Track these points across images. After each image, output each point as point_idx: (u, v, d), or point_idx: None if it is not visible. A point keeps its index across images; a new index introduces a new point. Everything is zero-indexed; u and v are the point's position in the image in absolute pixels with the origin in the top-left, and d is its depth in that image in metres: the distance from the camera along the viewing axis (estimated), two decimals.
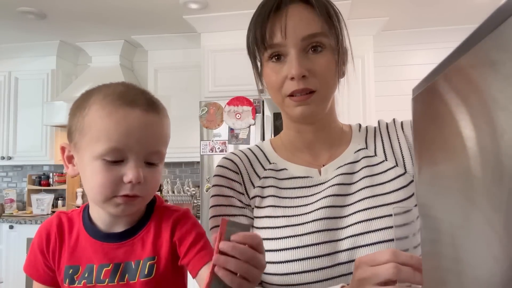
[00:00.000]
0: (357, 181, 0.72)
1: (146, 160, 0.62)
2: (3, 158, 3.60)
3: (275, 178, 0.75)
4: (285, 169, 0.76)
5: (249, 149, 0.81)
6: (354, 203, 0.69)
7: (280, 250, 0.67)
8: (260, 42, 0.68)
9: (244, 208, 0.74)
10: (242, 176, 0.76)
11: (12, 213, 3.47)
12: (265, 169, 0.77)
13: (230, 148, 2.73)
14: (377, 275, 0.50)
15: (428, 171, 0.28)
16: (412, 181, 0.71)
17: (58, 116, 3.32)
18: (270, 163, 0.78)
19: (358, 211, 0.68)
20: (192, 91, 3.24)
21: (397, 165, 0.73)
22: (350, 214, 0.68)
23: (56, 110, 3.34)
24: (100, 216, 0.67)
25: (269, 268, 0.67)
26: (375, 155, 0.75)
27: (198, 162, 3.00)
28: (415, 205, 0.56)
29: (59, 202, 3.68)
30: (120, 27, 3.26)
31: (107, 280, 0.64)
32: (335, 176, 0.73)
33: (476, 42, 0.19)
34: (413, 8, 2.91)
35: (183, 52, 3.43)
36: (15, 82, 3.65)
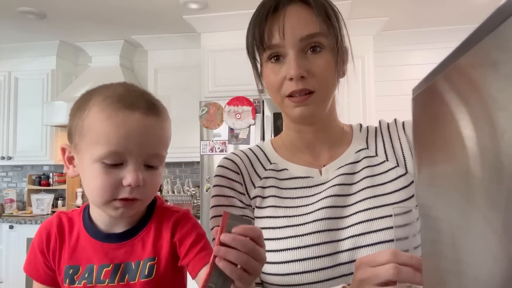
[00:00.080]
0: (358, 181, 0.72)
1: (145, 163, 0.62)
2: (3, 158, 3.60)
3: (276, 178, 0.75)
4: (285, 169, 0.76)
5: (250, 149, 0.81)
6: (355, 203, 0.69)
7: (281, 250, 0.67)
8: (259, 43, 0.68)
9: (244, 208, 0.74)
10: (243, 176, 0.76)
11: (12, 213, 3.47)
12: (265, 169, 0.77)
13: (230, 148, 2.73)
14: (377, 276, 0.50)
15: (428, 171, 0.28)
16: (413, 181, 0.71)
17: (58, 116, 3.33)
18: (271, 163, 0.78)
19: (359, 211, 0.68)
20: (192, 91, 3.24)
21: (398, 165, 0.73)
22: (351, 214, 0.68)
23: (56, 110, 3.34)
24: (100, 217, 0.67)
25: (270, 268, 0.67)
26: (376, 155, 0.75)
27: (198, 162, 3.00)
28: (416, 206, 0.56)
29: (59, 202, 3.68)
30: (120, 27, 3.26)
31: (107, 280, 0.64)
32: (336, 176, 0.73)
33: (476, 42, 0.19)
34: (413, 8, 2.91)
35: (183, 52, 3.43)
36: (15, 82, 3.65)
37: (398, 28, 3.24)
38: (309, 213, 0.69)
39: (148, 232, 0.67)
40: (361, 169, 0.73)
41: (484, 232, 0.19)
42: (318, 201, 0.70)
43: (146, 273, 0.64)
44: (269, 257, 0.67)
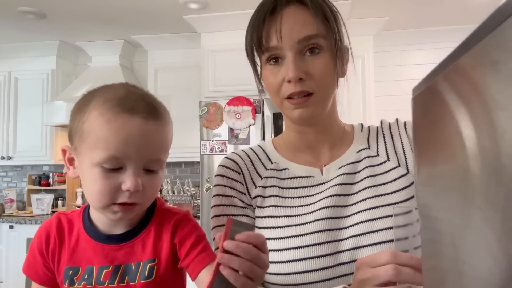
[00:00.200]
0: (359, 181, 0.72)
1: (145, 167, 0.62)
2: (3, 158, 3.61)
3: (277, 178, 0.75)
4: (287, 168, 0.76)
5: (251, 149, 0.81)
6: (356, 203, 0.69)
7: (282, 250, 0.67)
8: (257, 46, 0.68)
9: (245, 208, 0.74)
10: (243, 176, 0.76)
11: (12, 213, 3.47)
12: (267, 169, 0.77)
13: (230, 148, 2.73)
14: (377, 277, 0.50)
15: (428, 171, 0.28)
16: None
17: (58, 116, 3.33)
18: (272, 163, 0.78)
19: (361, 211, 0.68)
20: (192, 91, 3.24)
21: (399, 165, 0.73)
22: (352, 214, 0.68)
23: (56, 110, 3.34)
24: (100, 218, 0.67)
25: (271, 268, 0.67)
26: (377, 155, 0.75)
27: (198, 162, 3.00)
28: (416, 207, 0.56)
29: (59, 202, 3.68)
30: (120, 27, 3.26)
31: (107, 281, 0.64)
32: (337, 176, 0.73)
33: (476, 42, 0.19)
34: (413, 8, 2.91)
35: (183, 52, 3.44)
36: (15, 82, 3.65)
37: (398, 28, 3.25)
38: (310, 212, 0.69)
39: (148, 234, 0.67)
40: (362, 169, 0.73)
41: (484, 232, 0.19)
42: (319, 200, 0.70)
43: (146, 275, 0.64)
44: (270, 256, 0.67)
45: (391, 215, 0.65)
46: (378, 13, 2.99)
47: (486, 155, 0.18)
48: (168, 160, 0.67)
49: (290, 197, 0.73)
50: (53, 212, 3.51)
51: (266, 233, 0.70)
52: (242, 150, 0.81)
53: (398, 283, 0.50)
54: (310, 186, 0.73)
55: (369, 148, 0.76)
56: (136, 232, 0.67)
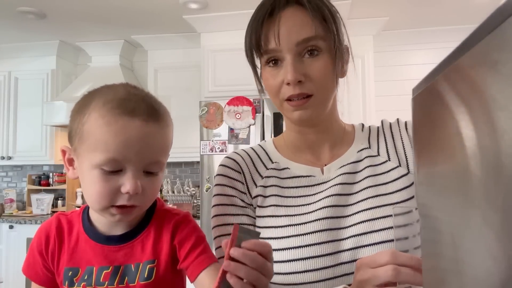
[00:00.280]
0: (360, 181, 0.72)
1: (145, 169, 0.61)
2: (3, 158, 3.61)
3: (277, 177, 0.75)
4: (287, 168, 0.76)
5: (252, 148, 0.82)
6: (357, 202, 0.69)
7: (283, 249, 0.67)
8: (256, 48, 0.68)
9: (246, 207, 0.74)
10: (244, 176, 0.76)
11: (12, 213, 3.47)
12: (267, 169, 0.77)
13: (230, 148, 2.73)
14: (376, 277, 0.50)
15: (428, 170, 0.28)
16: None
17: (58, 116, 3.33)
18: (272, 162, 0.78)
19: (361, 210, 0.68)
20: (192, 91, 3.24)
21: (400, 165, 0.73)
22: (353, 214, 0.68)
23: (56, 110, 3.34)
24: (99, 219, 0.67)
25: None
26: (378, 155, 0.75)
27: (198, 162, 3.00)
28: (416, 208, 0.56)
29: (59, 202, 3.68)
30: (120, 27, 3.26)
31: (106, 282, 0.64)
32: (338, 176, 0.73)
33: (476, 42, 0.19)
34: (413, 8, 2.91)
35: (183, 52, 3.44)
36: (15, 82, 3.65)
37: (398, 28, 3.25)
38: (310, 212, 0.69)
39: (148, 235, 0.67)
40: (363, 169, 0.73)
41: (484, 232, 0.19)
42: (319, 200, 0.70)
43: (145, 276, 0.64)
44: None
45: (391, 215, 0.65)
46: (378, 13, 2.99)
47: (486, 155, 0.18)
48: (168, 160, 0.67)
49: (290, 197, 0.73)
50: (53, 212, 3.51)
51: (267, 233, 0.70)
52: (243, 150, 0.81)
53: (398, 284, 0.50)
54: (311, 186, 0.73)
55: (369, 147, 0.76)
56: (135, 233, 0.67)
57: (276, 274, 0.66)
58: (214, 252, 0.74)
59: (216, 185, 0.77)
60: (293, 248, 0.66)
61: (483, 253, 0.19)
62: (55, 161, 3.55)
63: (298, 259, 0.65)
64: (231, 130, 2.73)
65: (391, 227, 0.64)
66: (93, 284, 0.64)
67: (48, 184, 3.67)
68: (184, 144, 3.04)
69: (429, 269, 0.28)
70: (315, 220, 0.68)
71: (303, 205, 0.71)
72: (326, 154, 0.76)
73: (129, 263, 0.65)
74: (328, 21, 0.66)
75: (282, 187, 0.74)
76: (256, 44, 0.68)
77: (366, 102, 3.05)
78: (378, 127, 0.79)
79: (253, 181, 0.76)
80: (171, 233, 0.66)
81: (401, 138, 0.75)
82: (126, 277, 0.64)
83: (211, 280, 0.61)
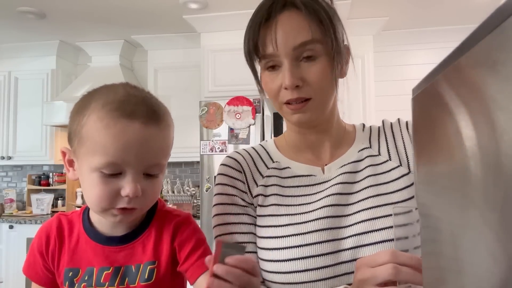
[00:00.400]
0: (360, 180, 0.72)
1: (145, 172, 0.61)
2: (3, 158, 3.60)
3: (278, 176, 0.75)
4: (288, 167, 0.76)
5: (253, 148, 0.82)
6: (358, 202, 0.69)
7: (283, 248, 0.67)
8: (254, 53, 0.69)
9: (246, 206, 0.74)
10: (245, 175, 0.77)
11: (12, 213, 3.47)
12: (268, 168, 0.77)
13: (230, 148, 2.73)
14: (376, 276, 0.50)
15: (428, 170, 0.28)
16: None
17: (58, 116, 3.32)
18: (273, 162, 0.78)
19: (362, 210, 0.68)
20: (192, 91, 3.24)
21: (401, 164, 0.73)
22: (353, 213, 0.68)
23: (56, 110, 3.34)
24: (100, 220, 0.67)
25: (271, 266, 0.67)
26: (379, 154, 0.75)
27: (198, 162, 3.00)
28: (416, 208, 0.56)
29: (59, 202, 3.68)
30: (120, 27, 3.26)
31: (107, 283, 0.63)
32: (339, 175, 0.73)
33: (476, 42, 0.19)
34: (413, 8, 2.91)
35: (183, 52, 3.43)
36: (15, 82, 3.65)
37: (398, 28, 3.25)
38: (311, 211, 0.70)
39: (149, 236, 0.66)
40: (364, 168, 0.73)
41: (483, 232, 0.19)
42: (320, 199, 0.71)
43: (146, 277, 0.64)
44: (271, 255, 0.68)
45: (392, 214, 0.65)
46: (378, 13, 2.99)
47: (486, 155, 0.18)
48: (168, 160, 0.67)
49: (291, 196, 0.73)
50: (53, 212, 3.51)
51: (267, 232, 0.70)
52: (244, 149, 0.81)
53: (398, 283, 0.50)
54: (311, 185, 0.73)
55: (370, 147, 0.76)
56: (136, 234, 0.66)
57: (276, 273, 0.67)
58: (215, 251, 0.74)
59: (217, 184, 0.77)
60: (294, 247, 0.66)
61: (483, 253, 0.19)
62: (55, 161, 3.55)
63: (299, 258, 0.65)
64: (231, 130, 2.73)
65: (392, 227, 0.64)
66: (93, 285, 0.63)
67: (48, 184, 3.67)
68: (184, 144, 3.04)
69: (429, 268, 0.28)
70: (316, 219, 0.68)
71: (303, 204, 0.71)
72: (326, 153, 0.76)
73: (130, 264, 0.65)
74: (325, 24, 0.66)
75: (283, 187, 0.74)
76: (254, 49, 0.68)
77: (366, 102, 3.05)
78: (379, 127, 0.79)
79: (254, 181, 0.76)
80: (171, 234, 0.66)
81: (402, 138, 0.75)
82: (127, 278, 0.64)
83: None
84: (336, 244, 0.66)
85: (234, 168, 0.77)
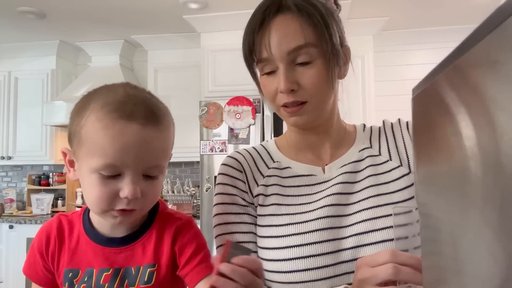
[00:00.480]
0: (361, 180, 0.72)
1: (144, 173, 0.60)
2: (3, 158, 3.60)
3: (278, 176, 0.76)
4: (289, 167, 0.76)
5: (254, 148, 0.82)
6: (358, 201, 0.70)
7: (283, 247, 0.67)
8: (250, 58, 0.69)
9: (247, 206, 0.75)
10: (246, 175, 0.77)
11: (12, 213, 3.47)
12: (269, 168, 0.77)
13: (230, 148, 2.73)
14: (376, 276, 0.50)
15: (428, 170, 0.28)
16: None
17: (58, 116, 3.32)
18: (274, 162, 0.78)
19: (362, 209, 0.68)
20: (192, 91, 3.24)
21: (401, 165, 0.73)
22: (354, 213, 0.69)
23: (56, 110, 3.34)
24: (100, 221, 0.66)
25: (272, 266, 0.67)
26: (380, 154, 0.75)
27: (198, 162, 3.00)
28: (416, 208, 0.56)
29: (59, 202, 3.68)
30: (120, 27, 3.26)
31: (106, 285, 0.63)
32: (339, 175, 0.73)
33: (476, 42, 0.19)
34: (413, 8, 2.91)
35: (183, 52, 3.43)
36: (15, 82, 3.65)
37: (398, 28, 3.25)
38: (311, 210, 0.70)
39: (149, 238, 0.66)
40: (365, 168, 0.73)
41: (483, 231, 0.19)
42: (321, 199, 0.71)
43: (145, 280, 0.63)
44: (272, 254, 0.68)
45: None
46: (378, 13, 2.99)
47: (486, 155, 0.19)
48: (169, 161, 0.66)
49: (291, 195, 0.73)
50: (53, 212, 3.51)
51: (268, 231, 0.70)
52: (245, 149, 0.82)
53: (398, 283, 0.50)
54: (312, 185, 0.74)
55: (371, 147, 0.76)
56: (137, 236, 0.66)
57: (277, 273, 0.67)
58: (215, 251, 0.74)
59: (218, 184, 0.77)
60: (294, 246, 0.66)
61: (483, 252, 0.19)
62: (55, 161, 3.55)
63: (299, 258, 0.65)
64: (231, 130, 2.73)
65: (392, 226, 0.64)
66: (93, 286, 0.63)
67: (48, 184, 3.67)
68: (184, 144, 3.04)
69: (429, 268, 0.28)
70: (316, 219, 0.68)
71: (304, 203, 0.71)
72: (327, 153, 0.76)
73: (130, 265, 0.64)
74: (319, 27, 0.65)
75: (283, 186, 0.74)
76: (250, 53, 0.69)
77: (366, 102, 3.05)
78: (379, 127, 0.80)
79: (255, 180, 0.76)
80: (172, 238, 0.66)
81: (403, 138, 0.75)
82: (126, 280, 0.64)
83: None
84: (337, 244, 0.66)
85: (235, 168, 0.77)
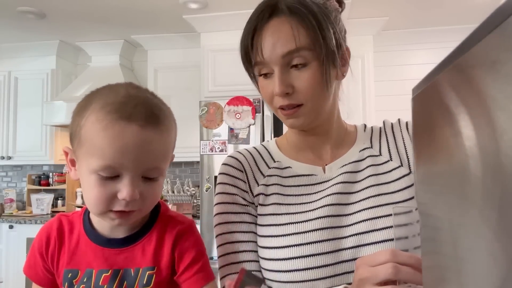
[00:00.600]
0: (361, 180, 0.72)
1: (144, 175, 0.60)
2: (3, 158, 3.60)
3: (279, 176, 0.76)
4: (289, 167, 0.77)
5: (255, 148, 0.82)
6: (359, 201, 0.70)
7: (284, 247, 0.67)
8: (247, 61, 0.70)
9: (247, 206, 0.75)
10: (246, 174, 0.77)
11: (12, 213, 3.47)
12: (269, 167, 0.78)
13: (230, 148, 2.73)
14: (376, 275, 0.51)
15: (427, 170, 0.28)
16: None
17: (57, 115, 3.32)
18: (274, 162, 0.78)
19: (363, 209, 0.68)
20: (192, 91, 3.24)
21: (402, 165, 0.73)
22: (354, 212, 0.69)
23: (55, 109, 3.34)
24: (100, 222, 0.66)
25: (272, 265, 0.68)
26: (380, 154, 0.75)
27: (198, 162, 3.00)
28: (416, 208, 0.56)
29: (59, 202, 3.68)
30: (119, 27, 3.26)
31: (105, 286, 0.63)
32: (340, 174, 0.73)
33: (476, 42, 0.19)
34: (413, 8, 2.91)
35: (183, 51, 3.43)
36: (15, 82, 3.65)
37: (398, 28, 3.25)
38: (311, 210, 0.70)
39: (149, 240, 0.66)
40: (365, 168, 0.73)
41: (483, 231, 0.19)
42: (321, 198, 0.71)
43: (144, 282, 0.63)
44: (272, 254, 0.68)
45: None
46: (378, 13, 2.99)
47: (485, 155, 0.19)
48: (169, 163, 0.66)
49: (292, 195, 0.73)
50: (53, 212, 3.51)
51: (268, 231, 0.70)
52: (246, 149, 0.82)
53: (398, 282, 0.50)
54: (312, 184, 0.74)
55: (371, 147, 0.77)
56: (137, 237, 0.66)
57: (277, 272, 0.67)
58: (216, 250, 0.74)
59: (219, 183, 0.78)
60: (294, 246, 0.67)
61: (482, 252, 0.19)
62: (55, 161, 3.54)
63: (299, 257, 0.66)
64: (231, 130, 2.73)
65: (392, 226, 0.64)
66: (92, 287, 0.63)
67: (48, 184, 3.67)
68: (184, 144, 3.03)
69: (429, 267, 0.28)
70: (316, 218, 0.68)
71: (304, 203, 0.72)
72: (327, 153, 0.77)
73: (129, 267, 0.64)
74: (313, 30, 0.65)
75: (284, 186, 0.74)
76: (246, 57, 0.69)
77: (366, 102, 3.05)
78: (380, 128, 0.80)
79: (255, 180, 0.77)
80: (172, 242, 0.65)
81: (403, 138, 0.75)
82: (125, 282, 0.63)
83: None
84: (337, 243, 0.66)
85: (235, 168, 0.77)
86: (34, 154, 3.57)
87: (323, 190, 0.72)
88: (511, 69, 0.16)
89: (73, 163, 0.64)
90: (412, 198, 0.69)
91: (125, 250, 0.65)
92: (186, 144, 3.07)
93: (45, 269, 0.68)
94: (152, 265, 0.64)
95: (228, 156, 0.80)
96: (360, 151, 0.76)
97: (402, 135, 0.76)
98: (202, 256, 0.66)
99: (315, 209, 0.70)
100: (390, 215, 0.66)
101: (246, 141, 2.69)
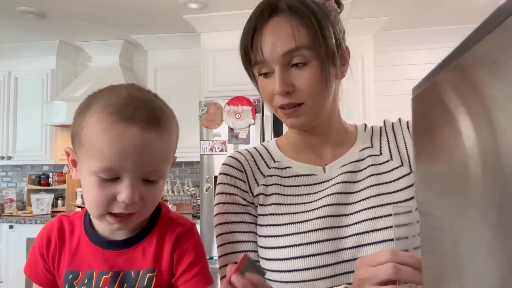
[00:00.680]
0: (362, 179, 0.72)
1: (144, 178, 0.59)
2: (3, 158, 3.60)
3: (279, 176, 0.76)
4: (289, 167, 0.77)
5: (255, 148, 0.82)
6: (359, 201, 0.70)
7: (284, 247, 0.67)
8: (247, 61, 0.70)
9: (247, 206, 0.75)
10: (246, 174, 0.77)
11: (11, 213, 3.47)
12: (269, 167, 0.78)
13: (230, 147, 2.73)
14: (376, 275, 0.50)
15: (427, 170, 0.28)
16: None
17: (57, 115, 3.32)
18: (274, 162, 0.78)
19: (363, 209, 0.68)
20: (192, 91, 3.24)
21: (402, 164, 0.73)
22: (354, 212, 0.69)
23: (55, 109, 3.34)
24: (100, 223, 0.66)
25: (272, 265, 0.68)
26: (381, 154, 0.75)
27: (198, 162, 3.00)
28: (416, 208, 0.56)
29: (59, 202, 3.67)
30: (119, 27, 3.26)
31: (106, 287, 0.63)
32: (340, 174, 0.73)
33: (476, 42, 0.19)
34: (413, 8, 2.91)
35: (182, 51, 3.43)
36: (14, 82, 3.65)
37: (398, 28, 3.25)
38: (312, 210, 0.70)
39: (150, 242, 0.65)
40: (366, 167, 0.73)
41: (482, 231, 0.19)
42: (321, 198, 0.71)
43: (145, 284, 0.63)
44: (272, 253, 0.68)
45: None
46: (378, 13, 2.99)
47: (485, 155, 0.19)
48: (171, 165, 0.66)
49: (292, 195, 0.73)
50: (53, 212, 3.51)
51: (268, 231, 0.70)
52: (246, 149, 0.82)
53: (398, 282, 0.50)
54: (312, 184, 0.74)
55: (372, 147, 0.76)
56: (137, 239, 0.66)
57: (277, 272, 0.67)
58: (216, 249, 0.74)
59: (219, 183, 0.78)
60: (294, 246, 0.67)
61: (482, 252, 0.19)
62: (55, 161, 3.54)
63: (299, 257, 0.66)
64: (231, 130, 2.73)
65: (393, 226, 0.64)
66: None
67: (48, 184, 3.67)
68: (184, 144, 3.01)
69: (429, 267, 0.28)
70: (316, 218, 0.68)
71: (304, 203, 0.72)
72: (328, 153, 0.77)
73: (129, 269, 0.64)
74: (313, 29, 0.65)
75: (284, 186, 0.74)
76: (246, 56, 0.69)
77: (366, 102, 3.05)
78: (380, 127, 0.80)
79: (255, 180, 0.77)
80: (172, 244, 0.65)
81: (403, 138, 0.75)
82: (126, 284, 0.63)
83: None
84: (337, 243, 0.66)
85: (235, 168, 0.77)
86: (34, 154, 3.57)
87: (323, 190, 0.72)
88: (511, 69, 0.16)
89: (74, 163, 0.64)
90: (413, 198, 0.69)
91: (125, 252, 0.65)
92: (186, 144, 3.07)
93: (46, 270, 0.68)
94: (153, 268, 0.64)
95: (228, 156, 0.80)
96: (361, 150, 0.76)
97: (402, 134, 0.75)
98: (201, 259, 0.66)
99: (315, 209, 0.70)
100: (390, 215, 0.66)
101: (246, 141, 2.69)
